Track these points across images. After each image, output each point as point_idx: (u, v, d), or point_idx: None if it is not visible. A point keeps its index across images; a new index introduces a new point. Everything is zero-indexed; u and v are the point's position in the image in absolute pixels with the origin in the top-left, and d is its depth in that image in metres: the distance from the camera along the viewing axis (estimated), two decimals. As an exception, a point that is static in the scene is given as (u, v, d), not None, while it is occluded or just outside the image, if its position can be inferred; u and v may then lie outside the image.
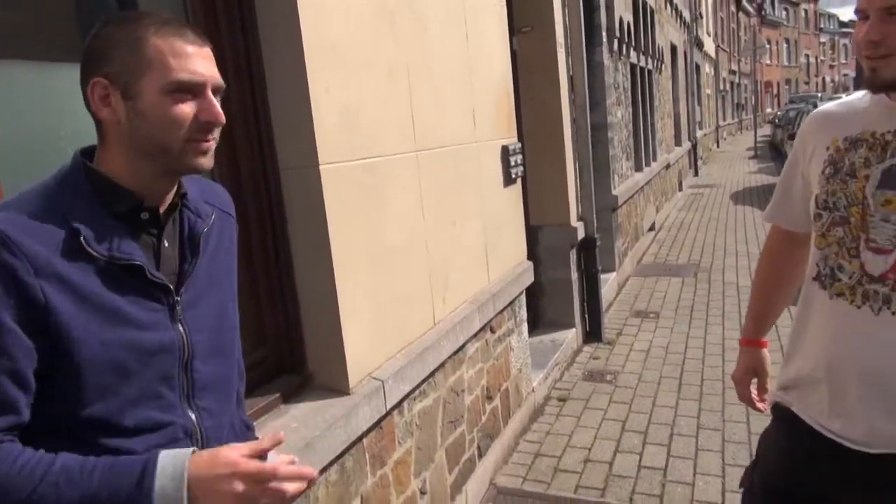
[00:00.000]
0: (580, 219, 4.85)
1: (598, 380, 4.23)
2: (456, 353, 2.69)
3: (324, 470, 1.84)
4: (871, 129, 1.31)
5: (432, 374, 2.49)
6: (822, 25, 62.87)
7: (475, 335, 2.90)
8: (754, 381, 1.70)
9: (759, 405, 1.69)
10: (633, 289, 6.36)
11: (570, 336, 4.59)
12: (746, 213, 10.12)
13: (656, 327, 5.17)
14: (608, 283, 5.76)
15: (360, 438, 2.02)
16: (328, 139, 1.94)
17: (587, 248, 4.86)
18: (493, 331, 3.17)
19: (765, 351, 1.69)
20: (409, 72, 2.39)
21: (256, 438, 1.35)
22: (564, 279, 4.68)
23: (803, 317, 1.43)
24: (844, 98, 1.47)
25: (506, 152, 3.40)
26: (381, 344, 2.19)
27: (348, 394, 2.00)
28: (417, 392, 2.39)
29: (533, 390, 3.75)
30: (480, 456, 2.97)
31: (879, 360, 1.27)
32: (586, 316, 4.92)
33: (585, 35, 4.97)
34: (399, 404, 2.25)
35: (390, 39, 2.29)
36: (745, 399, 1.70)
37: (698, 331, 5.02)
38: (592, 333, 4.93)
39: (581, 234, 4.76)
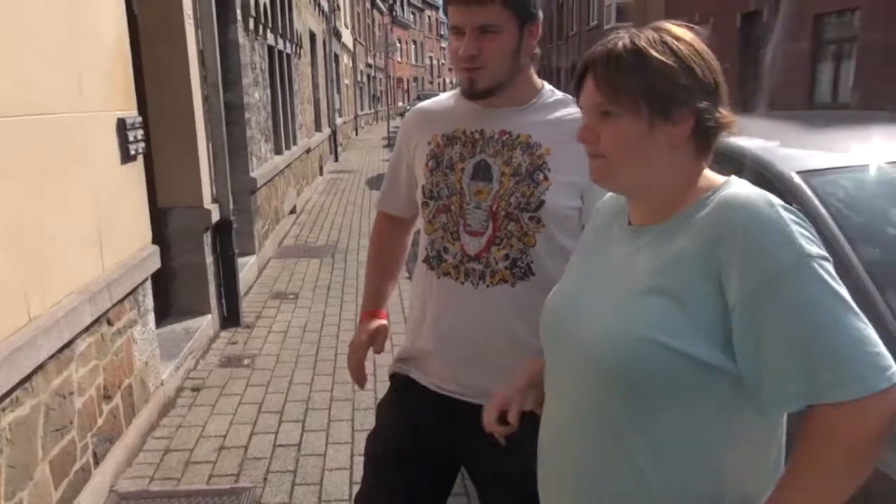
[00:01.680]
0: (215, 200, 4.67)
1: (235, 365, 4.16)
2: (61, 351, 2.37)
3: None
4: (462, 127, 1.50)
5: (28, 377, 2.15)
6: (442, 32, 70.96)
7: (87, 329, 2.59)
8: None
9: (364, 376, 1.72)
10: (274, 271, 6.39)
11: (206, 322, 4.41)
12: (380, 198, 10.92)
13: (295, 308, 5.28)
14: (248, 266, 5.68)
15: (-81, 466, 1.65)
16: None
17: (223, 230, 4.71)
18: (110, 323, 2.87)
19: (382, 320, 1.78)
20: (-17, 21, 2.00)
21: None
22: (198, 263, 4.47)
23: (417, 296, 1.60)
24: (441, 96, 1.64)
25: (123, 126, 3.09)
26: (-50, 349, 1.81)
27: None
28: (7, 401, 2.04)
29: (162, 383, 3.51)
30: (97, 463, 2.67)
31: (478, 326, 1.47)
32: (223, 301, 4.79)
33: (217, 10, 4.78)
34: (-20, 418, 1.89)
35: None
36: (358, 364, 1.70)
37: (334, 308, 5.27)
38: (230, 318, 4.82)
39: (216, 217, 4.59)
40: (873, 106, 10.45)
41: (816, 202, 1.70)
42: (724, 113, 1.00)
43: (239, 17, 5.85)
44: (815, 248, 0.88)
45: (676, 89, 0.96)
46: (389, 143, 22.03)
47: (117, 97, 3.08)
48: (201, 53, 4.58)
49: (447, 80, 70.38)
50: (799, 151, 2.01)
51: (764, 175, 1.91)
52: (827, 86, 12.88)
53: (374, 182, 12.88)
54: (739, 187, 0.97)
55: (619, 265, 1.05)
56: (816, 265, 0.87)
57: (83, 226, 2.67)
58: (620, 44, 0.99)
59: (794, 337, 0.86)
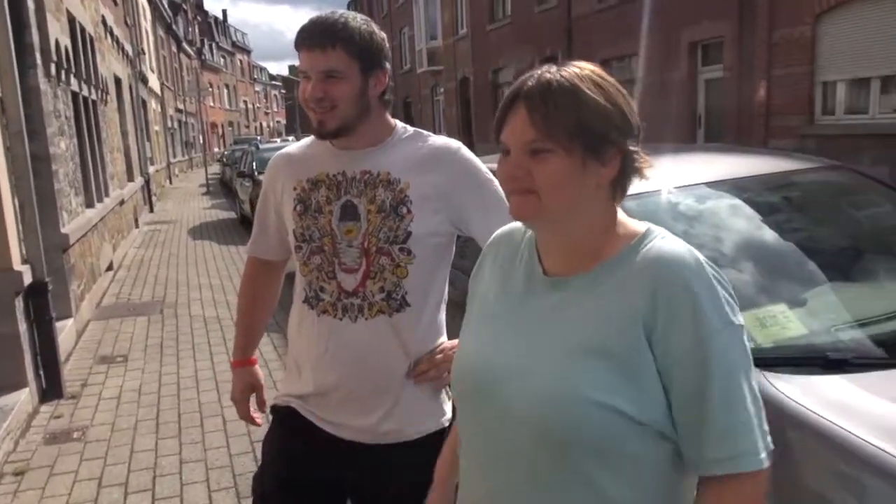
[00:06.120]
0: (26, 261, 4.23)
1: (63, 440, 3.76)
2: None
3: None
4: (325, 170, 1.56)
5: None
6: (255, 76, 69.66)
7: None
8: (253, 397, 1.83)
9: (258, 420, 1.82)
10: (96, 333, 5.87)
11: (23, 397, 3.95)
12: (206, 248, 10.44)
13: (126, 371, 4.89)
14: (65, 330, 5.17)
15: None
16: None
17: (37, 293, 4.27)
18: (-86, 408, 2.50)
19: (256, 367, 1.84)
20: None
21: None
22: (10, 333, 4.00)
23: (297, 335, 1.63)
24: (303, 142, 1.69)
25: (-84, 184, 2.74)
26: None
27: None
28: None
29: (-22, 471, 3.09)
30: None
31: (358, 359, 1.52)
32: (41, 371, 4.31)
33: (16, 54, 4.39)
34: None
35: None
36: (246, 416, 1.81)
37: (171, 367, 4.94)
38: (51, 390, 4.35)
39: (28, 279, 4.16)
40: (656, 139, 11.96)
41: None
42: (643, 156, 0.99)
43: (39, 61, 5.40)
44: (738, 317, 0.90)
45: (609, 129, 0.94)
46: (208, 190, 21.10)
47: None
48: (1, 101, 4.17)
49: (264, 125, 69.04)
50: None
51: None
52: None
53: (197, 232, 12.28)
54: (668, 240, 0.96)
55: (545, 321, 0.99)
56: (740, 332, 0.90)
57: None
58: (552, 79, 0.94)
59: (716, 402, 0.87)
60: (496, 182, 1.57)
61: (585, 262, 0.98)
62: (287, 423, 1.63)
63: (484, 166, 1.58)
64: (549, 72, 0.96)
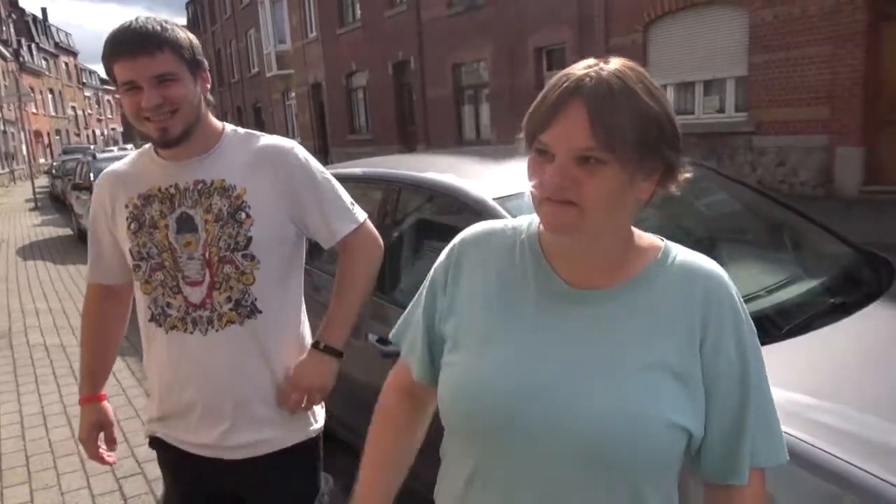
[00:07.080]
0: None
1: None
2: None
3: None
4: (157, 184, 1.49)
5: None
6: (84, 80, 64.27)
7: None
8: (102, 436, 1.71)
9: (109, 459, 1.70)
10: (-88, 375, 5.12)
11: None
12: (40, 269, 9.48)
13: (-46, 414, 4.31)
14: None
15: None
16: None
17: None
18: None
19: (105, 403, 1.71)
20: None
21: None
22: None
23: (149, 356, 1.56)
24: (128, 158, 1.61)
25: None
26: None
27: None
28: None
29: None
30: None
31: (214, 371, 1.48)
32: None
33: None
34: None
35: None
36: (95, 456, 1.70)
37: (11, 405, 4.42)
38: None
39: None
40: (510, 141, 12.49)
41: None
42: (682, 168, 0.91)
43: None
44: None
45: (661, 142, 0.86)
46: (37, 205, 19.19)
47: None
48: None
49: (97, 132, 63.92)
50: (486, 182, 2.39)
51: (462, 201, 2.30)
52: (471, 125, 14.90)
53: (28, 252, 11.14)
54: (694, 254, 0.95)
55: (585, 337, 0.91)
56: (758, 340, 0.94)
57: None
58: (611, 80, 0.84)
59: (757, 410, 0.91)
60: (334, 180, 1.58)
61: (609, 273, 0.93)
62: (164, 452, 1.61)
63: (319, 165, 1.58)
64: (604, 70, 0.85)
